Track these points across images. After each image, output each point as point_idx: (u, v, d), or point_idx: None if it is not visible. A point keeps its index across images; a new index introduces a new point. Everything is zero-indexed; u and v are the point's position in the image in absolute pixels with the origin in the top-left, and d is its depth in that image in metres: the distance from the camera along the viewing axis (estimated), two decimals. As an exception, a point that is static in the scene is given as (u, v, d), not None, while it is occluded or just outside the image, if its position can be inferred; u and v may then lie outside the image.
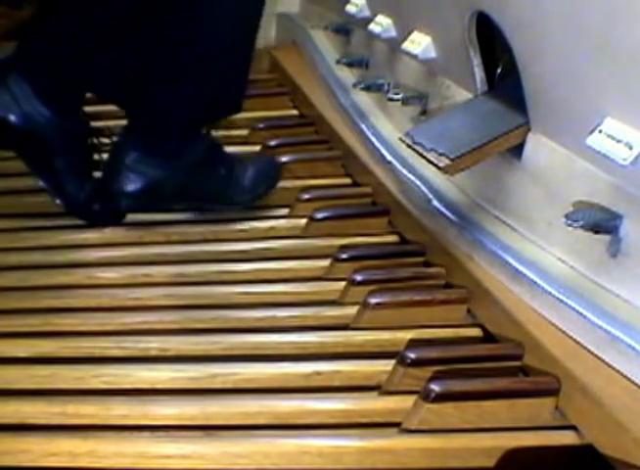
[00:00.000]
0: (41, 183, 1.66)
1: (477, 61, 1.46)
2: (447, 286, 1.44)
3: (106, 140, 1.71)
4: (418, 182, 1.59)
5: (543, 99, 1.28)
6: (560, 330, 1.20)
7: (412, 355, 1.20)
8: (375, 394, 1.21)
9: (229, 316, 1.40)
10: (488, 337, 1.32)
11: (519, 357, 1.22)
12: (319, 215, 1.66)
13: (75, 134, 1.66)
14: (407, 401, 1.14)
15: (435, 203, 1.52)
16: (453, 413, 1.12)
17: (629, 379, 1.09)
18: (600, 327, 1.13)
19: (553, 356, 1.16)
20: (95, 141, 1.71)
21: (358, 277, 1.43)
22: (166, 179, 1.63)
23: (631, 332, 1.10)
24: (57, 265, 1.56)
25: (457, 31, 1.46)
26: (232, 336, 1.34)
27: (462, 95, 1.53)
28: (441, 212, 1.49)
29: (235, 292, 1.47)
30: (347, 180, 1.86)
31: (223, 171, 1.71)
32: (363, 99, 1.97)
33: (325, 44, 2.33)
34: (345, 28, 2.17)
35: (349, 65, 2.08)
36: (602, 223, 1.15)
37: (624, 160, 1.08)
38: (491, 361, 1.21)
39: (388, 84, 1.84)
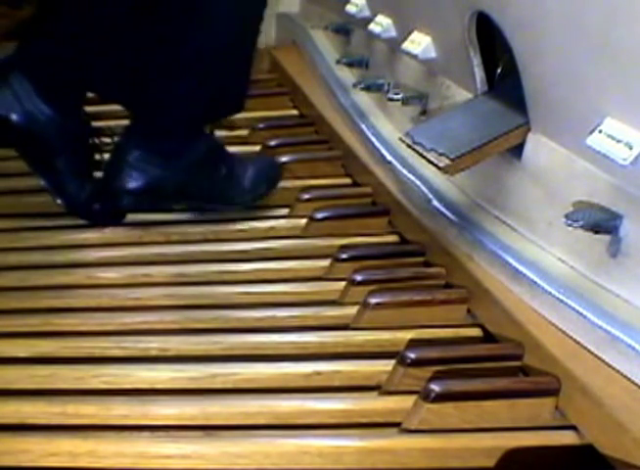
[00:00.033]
0: (42, 182, 1.67)
1: (477, 61, 1.46)
2: (447, 286, 1.44)
3: (107, 140, 1.71)
4: (418, 182, 1.59)
5: (543, 99, 1.28)
6: (560, 330, 1.20)
7: (412, 355, 1.20)
8: (375, 394, 1.21)
9: (229, 316, 1.40)
10: (488, 337, 1.32)
11: (519, 357, 1.22)
12: (319, 215, 1.66)
13: (76, 134, 1.66)
14: (407, 401, 1.14)
15: (435, 203, 1.52)
16: (453, 413, 1.12)
17: (629, 379, 1.09)
18: (600, 327, 1.13)
19: (553, 356, 1.16)
20: (96, 141, 1.71)
21: (358, 277, 1.43)
22: (168, 178, 1.63)
23: (631, 332, 1.10)
24: (57, 265, 1.56)
25: (457, 31, 1.46)
26: (232, 336, 1.34)
27: (462, 95, 1.53)
28: (441, 212, 1.49)
29: (235, 292, 1.47)
30: (347, 180, 1.86)
31: (224, 171, 1.71)
32: (363, 99, 1.97)
33: (325, 44, 2.33)
34: (345, 28, 2.17)
35: (349, 65, 2.08)
36: (602, 223, 1.15)
37: (624, 160, 1.08)
38: (491, 361, 1.21)
39: (388, 84, 1.84)
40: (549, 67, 1.23)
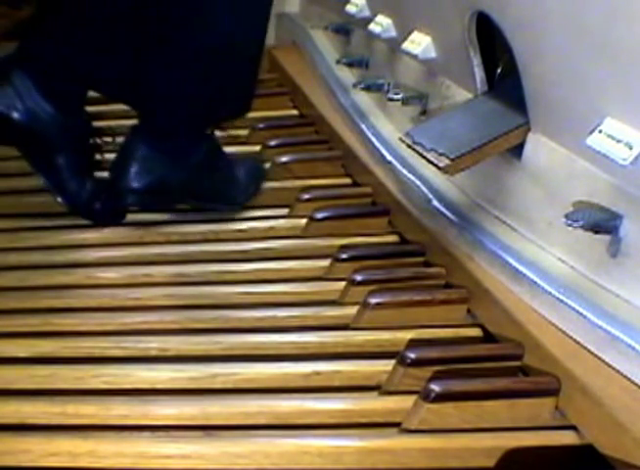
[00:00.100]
0: (42, 181, 1.67)
1: (477, 61, 1.46)
2: (447, 286, 1.44)
3: (108, 139, 1.71)
4: (418, 182, 1.59)
5: (543, 99, 1.28)
6: (560, 330, 1.20)
7: (412, 355, 1.20)
8: (375, 394, 1.21)
9: (229, 316, 1.40)
10: (488, 337, 1.32)
11: (519, 357, 1.22)
12: (319, 215, 1.66)
13: (78, 132, 1.66)
14: (407, 401, 1.14)
15: (435, 203, 1.52)
16: (453, 413, 1.12)
17: (629, 379, 1.09)
18: (600, 327, 1.13)
19: (553, 356, 1.16)
20: (97, 140, 1.71)
21: (358, 277, 1.43)
22: (173, 178, 1.63)
23: (631, 332, 1.10)
24: (57, 265, 1.56)
25: (457, 31, 1.46)
26: (232, 336, 1.34)
27: (462, 95, 1.53)
28: (441, 212, 1.49)
29: (235, 292, 1.47)
30: (347, 180, 1.86)
31: (225, 171, 1.72)
32: (363, 99, 1.97)
33: (325, 44, 2.33)
34: (345, 28, 2.17)
35: (349, 65, 2.07)
36: (602, 223, 1.15)
37: (624, 160, 1.08)
38: (491, 361, 1.21)
39: (388, 84, 1.84)
40: (549, 67, 1.23)
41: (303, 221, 1.67)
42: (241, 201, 1.74)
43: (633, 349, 1.08)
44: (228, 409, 1.16)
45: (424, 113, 1.69)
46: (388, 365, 1.22)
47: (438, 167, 1.32)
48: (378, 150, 1.77)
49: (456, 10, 1.45)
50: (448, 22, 1.50)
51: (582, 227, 1.15)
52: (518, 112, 1.34)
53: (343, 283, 1.44)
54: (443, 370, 1.18)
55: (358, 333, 1.34)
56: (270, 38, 2.54)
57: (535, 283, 1.25)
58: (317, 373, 1.23)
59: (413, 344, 1.28)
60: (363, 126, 1.86)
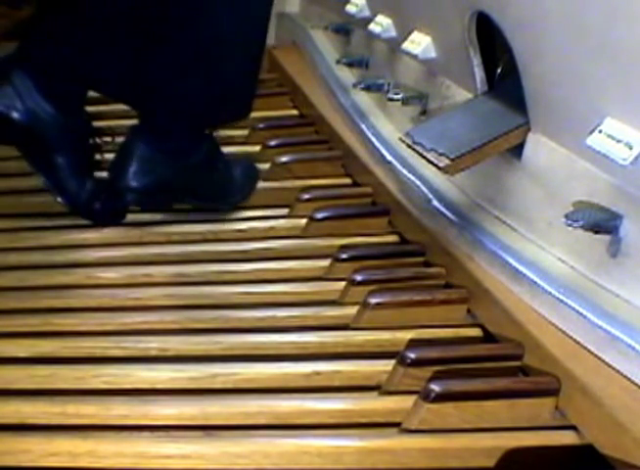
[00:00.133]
0: (42, 181, 1.67)
1: (477, 61, 1.46)
2: (447, 286, 1.44)
3: (107, 139, 1.71)
4: (418, 182, 1.59)
5: (543, 99, 1.28)
6: (560, 330, 1.20)
7: (412, 355, 1.20)
8: (375, 394, 1.21)
9: (229, 316, 1.40)
10: (488, 337, 1.32)
11: (519, 357, 1.22)
12: (319, 215, 1.66)
13: (78, 132, 1.67)
14: (407, 401, 1.14)
15: (435, 203, 1.52)
16: (453, 413, 1.12)
17: (629, 379, 1.09)
18: (600, 327, 1.13)
19: (553, 356, 1.16)
20: (97, 140, 1.71)
21: (358, 277, 1.43)
22: (173, 177, 1.63)
23: (631, 332, 1.10)
24: (57, 265, 1.55)
25: (457, 31, 1.46)
26: (232, 336, 1.34)
27: (462, 95, 1.53)
28: (441, 212, 1.49)
29: (235, 292, 1.47)
30: (347, 180, 1.86)
31: (223, 172, 1.72)
32: (363, 99, 1.97)
33: (325, 44, 2.33)
34: (345, 28, 2.17)
35: (349, 65, 2.08)
36: (602, 223, 1.15)
37: (624, 160, 1.08)
38: (491, 361, 1.21)
39: (388, 84, 1.84)
40: (549, 67, 1.23)
41: (303, 221, 1.67)
42: (237, 200, 1.74)
43: (633, 349, 1.08)
44: (228, 409, 1.16)
45: (424, 113, 1.69)
46: (388, 365, 1.22)
47: (438, 167, 1.32)
48: (378, 150, 1.77)
49: (456, 10, 1.45)
50: (448, 22, 1.50)
51: (582, 227, 1.15)
52: (518, 112, 1.34)
53: (343, 283, 1.44)
54: (443, 370, 1.18)
55: (358, 333, 1.34)
56: (270, 38, 2.53)
57: (535, 283, 1.25)
58: (317, 373, 1.23)
59: (413, 344, 1.28)
60: (363, 126, 1.86)
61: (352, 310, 1.37)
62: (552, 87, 1.25)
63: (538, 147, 1.31)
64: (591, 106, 1.15)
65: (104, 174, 1.67)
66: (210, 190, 1.71)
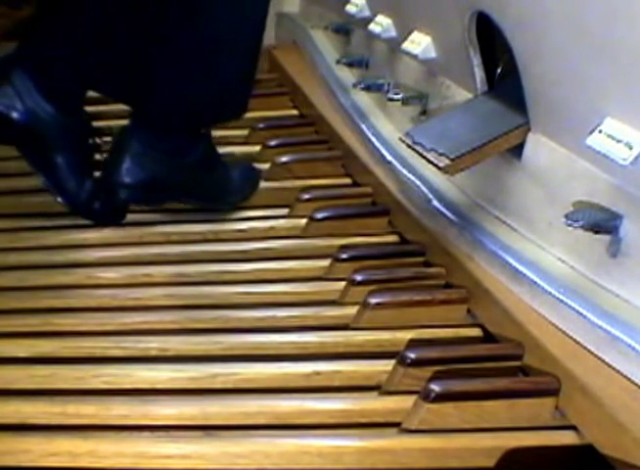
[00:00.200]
0: (42, 181, 1.67)
1: (477, 61, 1.46)
2: (447, 286, 1.44)
3: (107, 139, 1.71)
4: (418, 182, 1.59)
5: (543, 99, 1.28)
6: (560, 330, 1.20)
7: (412, 355, 1.20)
8: (375, 394, 1.21)
9: (229, 316, 1.40)
10: (488, 337, 1.32)
11: (519, 357, 1.22)
12: (319, 215, 1.66)
13: (77, 132, 1.67)
14: (407, 401, 1.14)
15: (435, 203, 1.52)
16: (453, 413, 1.12)
17: (629, 379, 1.09)
18: (600, 327, 1.13)
19: (553, 356, 1.16)
20: (97, 140, 1.71)
21: (358, 277, 1.43)
22: (166, 175, 1.63)
23: (631, 332, 1.10)
24: (57, 265, 1.56)
25: (457, 31, 1.46)
26: (232, 336, 1.34)
27: (462, 95, 1.53)
28: (441, 212, 1.49)
29: (235, 292, 1.47)
30: (347, 180, 1.86)
31: (220, 172, 1.72)
32: (363, 99, 1.97)
33: (325, 44, 2.33)
34: (345, 28, 2.17)
35: (349, 65, 2.08)
36: (602, 223, 1.15)
37: (624, 160, 1.08)
38: (491, 361, 1.21)
39: (388, 84, 1.84)
40: (549, 67, 1.23)
41: (303, 221, 1.67)
42: (234, 202, 1.74)
43: (633, 349, 1.08)
44: (228, 409, 1.16)
45: (424, 113, 1.69)
46: (388, 365, 1.22)
47: (438, 167, 1.32)
48: (378, 150, 1.77)
49: (456, 10, 1.45)
50: (448, 22, 1.50)
51: (582, 227, 1.15)
52: (518, 112, 1.34)
53: (343, 283, 1.44)
54: (443, 370, 1.18)
55: (358, 333, 1.34)
56: (270, 38, 2.55)
57: (535, 283, 1.25)
58: (317, 373, 1.23)
59: (413, 344, 1.28)
60: (363, 126, 1.86)
61: (352, 310, 1.37)
62: (552, 87, 1.25)
63: (538, 147, 1.31)
64: (591, 106, 1.15)
65: (103, 174, 1.67)
66: (206, 190, 1.71)
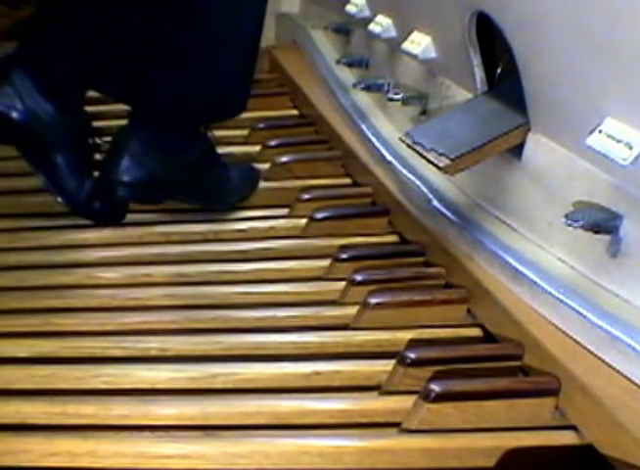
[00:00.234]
0: (42, 181, 1.67)
1: (477, 61, 1.46)
2: (447, 286, 1.44)
3: (107, 139, 1.71)
4: (418, 182, 1.59)
5: (543, 99, 1.28)
6: (560, 330, 1.20)
7: (412, 355, 1.20)
8: (375, 394, 1.21)
9: (229, 316, 1.40)
10: (488, 337, 1.32)
11: (519, 357, 1.22)
12: (319, 215, 1.66)
13: (77, 132, 1.67)
14: (407, 401, 1.14)
15: (435, 203, 1.52)
16: (453, 413, 1.12)
17: (629, 379, 1.09)
18: (600, 327, 1.13)
19: (553, 356, 1.16)
20: (97, 140, 1.71)
21: (358, 277, 1.43)
22: (165, 173, 1.63)
23: (631, 332, 1.10)
24: (57, 265, 1.56)
25: (457, 31, 1.46)
26: (232, 336, 1.34)
27: (462, 95, 1.53)
28: (441, 212, 1.49)
29: (235, 292, 1.47)
30: (347, 180, 1.86)
31: (218, 172, 1.73)
32: (363, 99, 1.97)
33: (325, 44, 2.33)
34: (345, 28, 2.17)
35: (349, 65, 2.07)
36: (602, 223, 1.15)
37: (624, 160, 1.08)
38: (491, 361, 1.21)
39: (388, 84, 1.84)
40: (549, 67, 1.23)
41: (303, 221, 1.67)
42: (233, 202, 1.74)
43: (633, 349, 1.08)
44: (228, 409, 1.16)
45: (424, 113, 1.69)
46: (388, 365, 1.22)
47: (438, 167, 1.32)
48: (378, 150, 1.77)
49: (456, 10, 1.45)
50: (448, 22, 1.50)
51: (582, 227, 1.15)
52: (518, 112, 1.34)
53: (343, 283, 1.44)
54: (443, 370, 1.18)
55: (358, 333, 1.34)
56: (270, 38, 2.55)
57: (535, 283, 1.25)
58: (317, 373, 1.23)
59: (413, 344, 1.28)
60: (363, 126, 1.86)
61: (352, 310, 1.37)
62: (552, 87, 1.25)
63: (538, 147, 1.31)
64: (591, 106, 1.15)
65: (103, 174, 1.67)
66: (205, 190, 1.71)
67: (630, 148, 1.08)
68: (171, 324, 1.38)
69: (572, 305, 1.18)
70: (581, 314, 1.16)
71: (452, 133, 1.37)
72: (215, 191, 1.72)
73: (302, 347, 1.32)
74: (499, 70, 1.45)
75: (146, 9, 1.57)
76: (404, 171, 1.64)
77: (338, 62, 2.11)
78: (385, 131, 1.82)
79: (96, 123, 1.74)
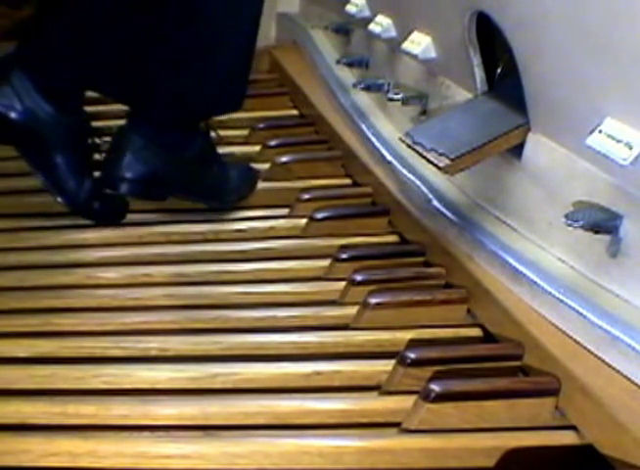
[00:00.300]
0: (42, 181, 1.67)
1: (477, 61, 1.46)
2: (447, 286, 1.44)
3: (107, 139, 1.71)
4: (418, 182, 1.59)
5: (543, 99, 1.28)
6: (560, 330, 1.20)
7: (412, 355, 1.20)
8: (375, 394, 1.21)
9: (229, 316, 1.40)
10: (488, 337, 1.32)
11: (519, 357, 1.22)
12: (319, 215, 1.66)
13: (76, 132, 1.67)
14: (407, 401, 1.14)
15: (435, 203, 1.52)
16: (453, 413, 1.12)
17: (629, 379, 1.09)
18: (600, 327, 1.13)
19: (553, 356, 1.16)
20: (96, 140, 1.71)
21: (358, 277, 1.43)
22: (166, 170, 1.63)
23: (631, 332, 1.10)
24: (57, 265, 1.55)
25: (457, 31, 1.46)
26: (232, 336, 1.34)
27: (462, 95, 1.53)
28: (441, 212, 1.49)
29: (235, 292, 1.47)
30: (347, 180, 1.86)
31: (218, 170, 1.73)
32: (363, 99, 1.97)
33: (325, 44, 2.33)
34: (345, 28, 2.17)
35: (349, 65, 2.08)
36: (602, 223, 1.15)
37: (624, 160, 1.08)
38: (491, 361, 1.21)
39: (388, 84, 1.84)
40: (549, 67, 1.23)
41: (303, 221, 1.67)
42: (231, 201, 1.74)
43: (633, 349, 1.08)
44: (228, 409, 1.16)
45: (424, 113, 1.69)
46: (388, 365, 1.22)
47: (438, 167, 1.32)
48: (378, 150, 1.77)
49: (456, 10, 1.45)
50: (448, 22, 1.50)
51: (582, 227, 1.15)
52: (518, 112, 1.34)
53: (343, 283, 1.44)
54: (443, 370, 1.18)
55: (358, 333, 1.34)
56: (270, 38, 2.55)
57: (535, 283, 1.25)
58: (317, 373, 1.23)
59: (413, 344, 1.28)
60: (363, 126, 1.86)
61: (352, 310, 1.37)
62: (552, 87, 1.25)
63: (538, 147, 1.31)
64: (591, 106, 1.15)
65: (103, 174, 1.67)
66: (205, 188, 1.71)
67: (630, 148, 1.08)
68: (171, 324, 1.38)
69: (572, 305, 1.18)
70: (581, 314, 1.16)
71: (452, 133, 1.37)
72: (214, 189, 1.72)
73: (302, 347, 1.32)
74: (499, 70, 1.46)
75: (146, 9, 1.57)
76: (404, 171, 1.64)
77: (338, 62, 2.11)
78: (385, 131, 1.82)
79: (95, 123, 1.74)
